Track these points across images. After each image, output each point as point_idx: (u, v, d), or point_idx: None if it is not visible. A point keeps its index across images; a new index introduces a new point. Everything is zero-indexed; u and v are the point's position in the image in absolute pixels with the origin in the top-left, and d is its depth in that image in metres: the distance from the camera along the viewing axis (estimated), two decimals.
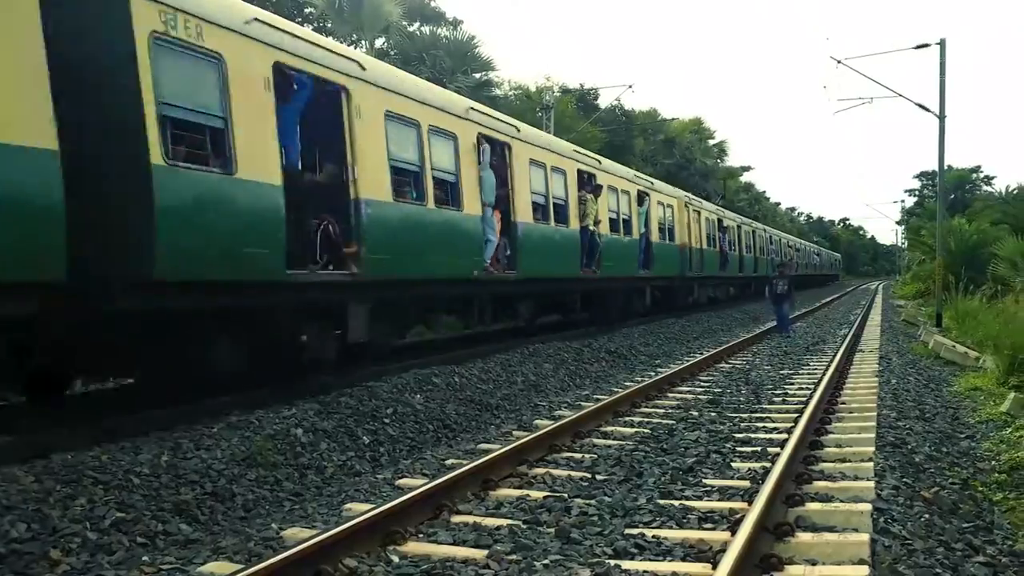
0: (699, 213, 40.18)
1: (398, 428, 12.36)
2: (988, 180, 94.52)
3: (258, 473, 9.74)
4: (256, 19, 12.07)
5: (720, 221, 45.41)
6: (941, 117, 33.10)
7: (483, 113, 19.47)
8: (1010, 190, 51.28)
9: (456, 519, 8.05)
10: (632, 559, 6.87)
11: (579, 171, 24.97)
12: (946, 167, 37.08)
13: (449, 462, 10.56)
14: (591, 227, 24.92)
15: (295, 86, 13.28)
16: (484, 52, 43.74)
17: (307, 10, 42.46)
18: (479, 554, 6.96)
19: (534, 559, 6.80)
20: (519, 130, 21.32)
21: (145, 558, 7.22)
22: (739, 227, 51.01)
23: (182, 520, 8.28)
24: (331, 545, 6.71)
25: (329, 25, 40.31)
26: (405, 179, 15.89)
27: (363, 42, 38.84)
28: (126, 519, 7.88)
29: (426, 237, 16.33)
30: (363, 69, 14.60)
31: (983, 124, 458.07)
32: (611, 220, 27.17)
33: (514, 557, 6.87)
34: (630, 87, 59.56)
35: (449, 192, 17.47)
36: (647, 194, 32.01)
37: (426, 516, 8.01)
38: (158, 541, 7.78)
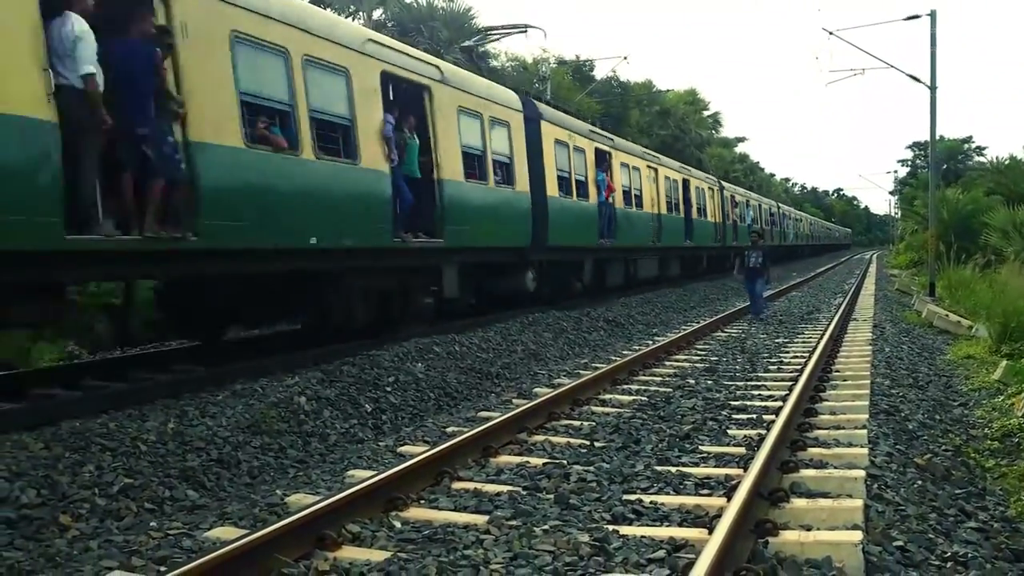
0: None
1: (400, 396, 12.48)
2: (980, 150, 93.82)
3: (263, 440, 9.88)
4: None
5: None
6: (932, 88, 33.01)
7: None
8: (1001, 160, 51.09)
9: (457, 485, 8.13)
10: (630, 524, 6.94)
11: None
12: (938, 137, 36.92)
13: (450, 429, 10.63)
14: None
15: None
16: (481, 23, 43.66)
17: None
18: (480, 520, 7.03)
19: (534, 524, 6.86)
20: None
21: (153, 523, 7.32)
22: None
23: (189, 486, 8.43)
24: (334, 511, 6.78)
25: None
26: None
27: (361, 13, 38.73)
28: (134, 485, 8.02)
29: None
30: None
31: (974, 95, 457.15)
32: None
33: (514, 523, 6.93)
34: (625, 59, 59.53)
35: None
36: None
37: (427, 483, 8.10)
38: (165, 507, 7.91)
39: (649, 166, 33.74)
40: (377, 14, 41.17)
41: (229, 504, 7.95)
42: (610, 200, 27.66)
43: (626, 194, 29.92)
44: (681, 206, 38.19)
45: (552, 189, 22.87)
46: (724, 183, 49.93)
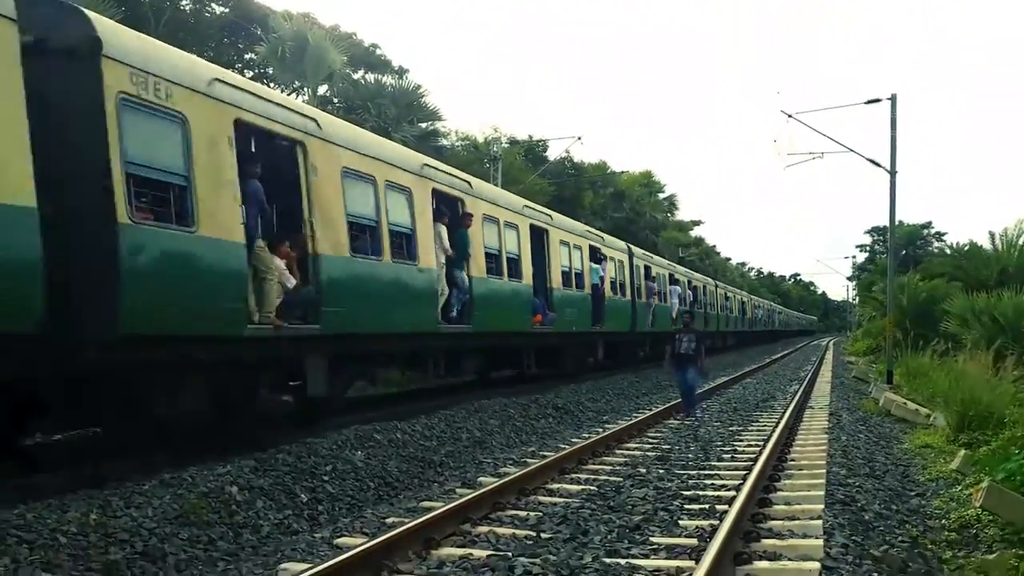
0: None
1: (338, 486, 12.06)
2: (939, 236, 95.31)
3: (191, 532, 9.42)
4: None
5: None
6: (892, 172, 32.97)
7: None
8: (961, 246, 51.50)
9: None
10: None
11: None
12: (897, 222, 37.02)
13: (390, 520, 10.34)
14: None
15: None
16: (431, 101, 43.35)
17: (247, 56, 42.39)
18: None
19: None
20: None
21: None
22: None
23: None
24: None
25: (271, 71, 40.22)
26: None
27: (306, 89, 38.72)
28: None
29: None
30: None
31: (934, 180, 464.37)
32: None
33: None
34: (579, 139, 59.24)
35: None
36: None
37: None
38: None
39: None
40: (323, 90, 41.13)
41: None
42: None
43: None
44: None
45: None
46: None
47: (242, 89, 13.01)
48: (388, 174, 16.00)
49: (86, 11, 10.71)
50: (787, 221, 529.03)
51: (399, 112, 40.07)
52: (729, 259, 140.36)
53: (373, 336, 15.97)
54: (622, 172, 79.75)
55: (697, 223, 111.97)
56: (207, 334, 11.95)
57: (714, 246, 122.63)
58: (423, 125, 42.31)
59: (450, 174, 19.55)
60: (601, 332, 30.81)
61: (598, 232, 33.13)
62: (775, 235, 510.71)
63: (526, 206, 25.16)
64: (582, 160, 67.61)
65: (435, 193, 18.64)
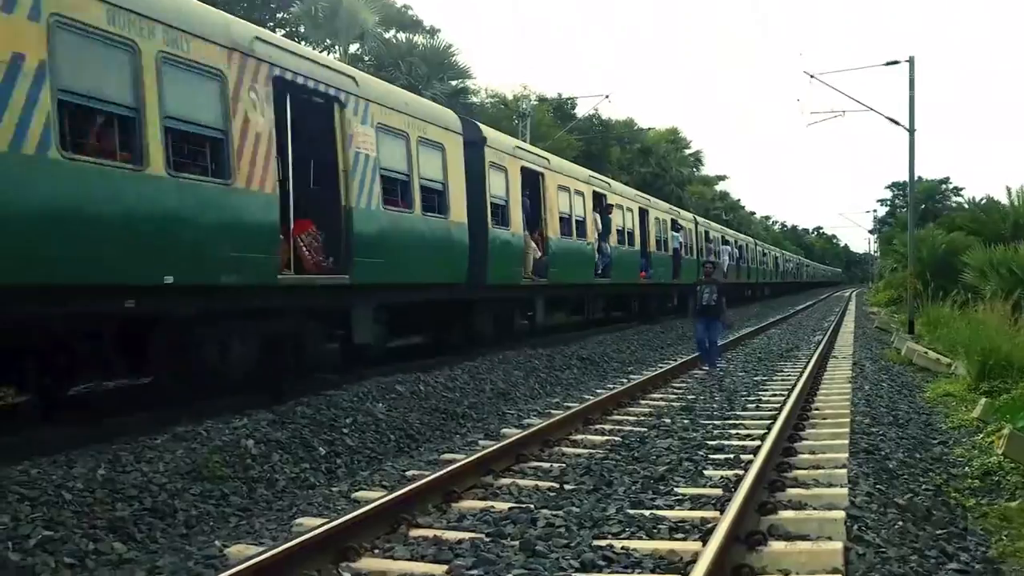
0: None
1: (357, 438, 11.91)
2: (957, 191, 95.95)
3: (203, 487, 9.23)
4: None
5: None
6: (911, 130, 33.99)
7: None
8: (978, 200, 51.76)
9: (415, 533, 7.70)
10: (600, 572, 6.67)
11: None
12: (916, 178, 37.70)
13: (410, 473, 10.19)
14: None
15: None
16: (461, 60, 44.00)
17: (279, 15, 42.39)
18: (438, 569, 6.70)
19: (496, 573, 6.55)
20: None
21: None
22: None
23: (116, 538, 7.76)
24: (278, 562, 6.35)
25: (302, 30, 40.22)
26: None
27: (337, 47, 38.69)
28: (54, 538, 7.37)
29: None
30: None
31: (951, 137, 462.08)
32: None
33: (475, 572, 6.59)
34: (607, 97, 59.40)
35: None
36: None
37: (383, 530, 7.65)
38: (88, 561, 7.26)
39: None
40: (354, 48, 41.19)
41: (161, 557, 7.39)
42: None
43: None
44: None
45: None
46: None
47: (524, 148, 24.33)
48: (575, 185, 27.02)
49: (480, 124, 21.78)
50: (810, 176, 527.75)
51: (430, 70, 40.97)
52: (753, 213, 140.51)
53: (567, 286, 26.11)
54: (649, 128, 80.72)
55: (722, 178, 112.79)
56: (510, 283, 21.91)
57: (739, 200, 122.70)
58: (453, 83, 42.86)
59: (601, 179, 31.54)
60: (677, 284, 39.71)
61: (677, 208, 45.24)
62: (798, 190, 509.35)
63: (637, 194, 36.83)
64: (610, 117, 68.10)
65: (593, 193, 28.83)
